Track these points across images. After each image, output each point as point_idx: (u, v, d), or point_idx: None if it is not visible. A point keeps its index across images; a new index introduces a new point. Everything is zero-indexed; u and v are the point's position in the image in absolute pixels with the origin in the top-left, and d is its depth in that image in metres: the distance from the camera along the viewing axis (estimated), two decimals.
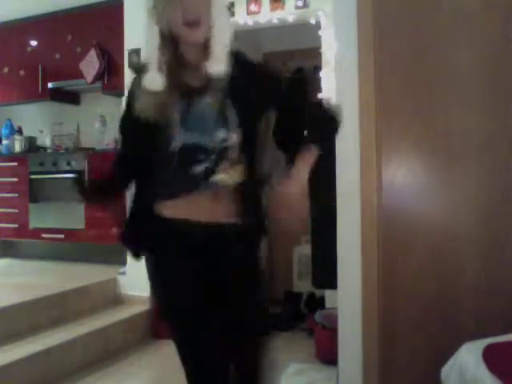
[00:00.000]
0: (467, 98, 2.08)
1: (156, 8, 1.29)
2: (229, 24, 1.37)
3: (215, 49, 1.30)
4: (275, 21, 3.38)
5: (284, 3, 3.29)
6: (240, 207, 1.37)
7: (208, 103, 1.32)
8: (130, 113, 1.36)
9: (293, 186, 1.36)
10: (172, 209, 1.36)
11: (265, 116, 1.45)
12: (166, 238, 1.38)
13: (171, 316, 1.41)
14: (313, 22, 3.33)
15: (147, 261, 1.43)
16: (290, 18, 3.35)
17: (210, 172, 1.32)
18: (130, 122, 1.40)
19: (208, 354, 1.34)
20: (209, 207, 1.36)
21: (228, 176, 1.35)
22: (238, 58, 1.37)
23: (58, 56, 4.37)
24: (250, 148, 1.39)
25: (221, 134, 1.31)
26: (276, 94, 1.45)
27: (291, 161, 1.43)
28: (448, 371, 1.57)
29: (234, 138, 1.33)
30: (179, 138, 1.29)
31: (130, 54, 3.61)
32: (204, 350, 1.34)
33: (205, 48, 1.31)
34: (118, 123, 1.47)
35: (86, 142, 4.61)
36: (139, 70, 1.37)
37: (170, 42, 1.31)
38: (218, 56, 1.30)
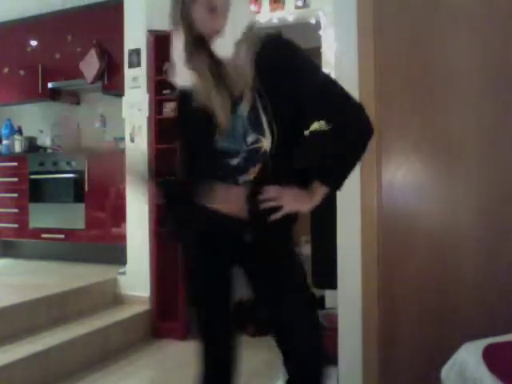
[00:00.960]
0: (467, 97, 2.08)
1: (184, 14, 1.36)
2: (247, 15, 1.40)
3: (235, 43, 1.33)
4: (275, 21, 3.38)
5: (284, 3, 3.29)
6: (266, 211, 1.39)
7: (243, 110, 1.37)
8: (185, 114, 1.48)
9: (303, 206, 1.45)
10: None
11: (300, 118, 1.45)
12: (209, 228, 1.44)
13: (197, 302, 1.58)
14: (313, 21, 3.33)
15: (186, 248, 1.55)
16: (290, 18, 3.35)
17: (240, 171, 1.40)
18: (186, 121, 1.50)
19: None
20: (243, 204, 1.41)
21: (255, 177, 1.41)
22: (265, 47, 1.35)
23: (57, 56, 4.37)
24: (282, 154, 1.40)
25: (251, 137, 1.37)
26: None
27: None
28: (448, 371, 1.56)
29: (266, 142, 1.37)
30: (216, 142, 1.39)
31: (130, 53, 3.61)
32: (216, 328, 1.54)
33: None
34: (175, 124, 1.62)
35: (86, 142, 4.60)
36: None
37: (203, 49, 1.37)
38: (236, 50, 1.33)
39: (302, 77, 1.36)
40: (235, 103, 1.37)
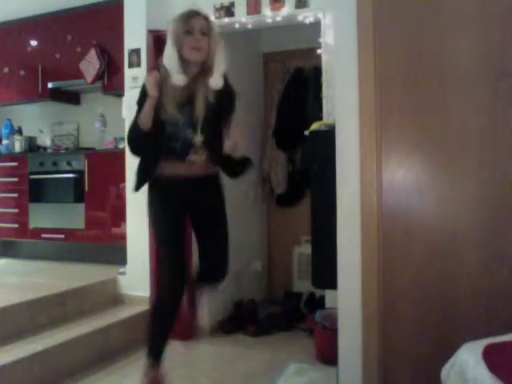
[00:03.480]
0: (467, 97, 2.08)
1: (177, 37, 2.18)
2: (223, 55, 2.21)
3: (214, 72, 2.17)
4: (275, 21, 3.39)
5: (284, 3, 3.29)
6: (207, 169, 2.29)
7: (189, 110, 2.20)
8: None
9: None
10: (168, 169, 2.25)
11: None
12: (166, 186, 2.28)
13: (163, 228, 2.34)
14: (313, 21, 3.33)
15: (153, 198, 2.32)
16: (290, 18, 3.35)
17: (185, 150, 2.22)
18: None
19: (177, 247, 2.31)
20: (189, 168, 2.25)
21: (197, 156, 2.24)
22: (225, 81, 2.22)
23: (58, 56, 4.37)
24: (211, 140, 2.23)
25: (188, 131, 2.21)
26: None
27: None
28: (448, 371, 1.56)
29: (198, 136, 2.21)
30: (169, 128, 2.21)
31: (129, 53, 3.61)
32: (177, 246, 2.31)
33: (202, 70, 2.22)
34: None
35: (86, 141, 4.61)
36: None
37: (181, 61, 2.18)
38: (215, 77, 2.17)
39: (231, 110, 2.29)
40: (186, 105, 2.19)
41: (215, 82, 2.16)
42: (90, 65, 4.11)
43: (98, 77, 4.11)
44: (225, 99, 2.24)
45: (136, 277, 3.59)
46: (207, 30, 2.19)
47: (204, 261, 2.41)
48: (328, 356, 2.81)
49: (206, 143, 2.23)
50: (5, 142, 4.63)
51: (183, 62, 2.19)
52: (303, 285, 4.13)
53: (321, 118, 3.18)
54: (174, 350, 3.18)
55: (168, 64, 2.18)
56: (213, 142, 2.23)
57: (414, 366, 2.16)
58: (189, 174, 2.26)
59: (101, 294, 3.52)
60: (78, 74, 4.17)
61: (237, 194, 4.01)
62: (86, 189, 4.06)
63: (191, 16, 2.19)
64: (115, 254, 3.88)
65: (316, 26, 3.28)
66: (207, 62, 2.20)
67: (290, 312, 3.85)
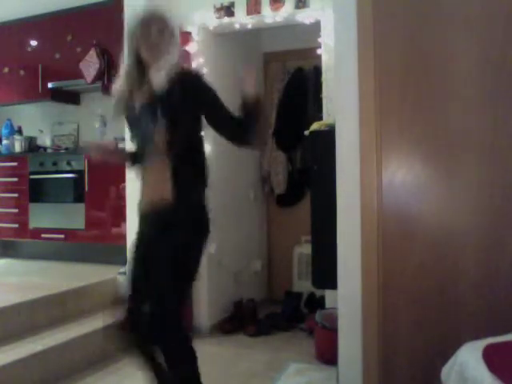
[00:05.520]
0: (467, 97, 2.08)
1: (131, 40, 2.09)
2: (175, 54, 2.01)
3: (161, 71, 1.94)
4: (275, 21, 3.39)
5: (284, 3, 3.29)
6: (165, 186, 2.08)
7: (148, 109, 1.97)
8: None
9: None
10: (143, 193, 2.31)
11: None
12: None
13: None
14: (313, 21, 3.33)
15: None
16: (290, 18, 3.35)
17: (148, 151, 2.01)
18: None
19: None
20: (150, 184, 2.23)
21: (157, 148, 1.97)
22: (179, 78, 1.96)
23: (57, 56, 4.37)
24: (175, 140, 1.95)
25: (150, 129, 1.95)
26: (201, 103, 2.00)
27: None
28: (448, 371, 1.56)
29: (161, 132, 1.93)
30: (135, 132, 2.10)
31: None
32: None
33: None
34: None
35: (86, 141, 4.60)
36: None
37: (138, 64, 2.02)
38: (160, 74, 1.93)
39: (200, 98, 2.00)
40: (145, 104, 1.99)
41: (157, 79, 1.93)
42: (90, 65, 4.11)
43: (98, 77, 4.11)
44: (185, 89, 1.95)
45: None
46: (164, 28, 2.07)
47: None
48: (328, 356, 2.81)
49: (168, 135, 1.94)
50: (5, 142, 4.63)
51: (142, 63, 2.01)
52: (303, 285, 4.13)
53: (321, 118, 3.18)
54: None
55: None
56: (176, 134, 1.94)
57: (413, 366, 2.16)
58: (148, 197, 2.19)
59: (101, 294, 3.51)
60: (78, 74, 4.17)
61: (237, 193, 4.02)
62: (86, 189, 4.06)
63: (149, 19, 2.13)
64: (115, 254, 3.87)
65: (316, 25, 3.28)
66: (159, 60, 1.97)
67: (290, 312, 3.85)
